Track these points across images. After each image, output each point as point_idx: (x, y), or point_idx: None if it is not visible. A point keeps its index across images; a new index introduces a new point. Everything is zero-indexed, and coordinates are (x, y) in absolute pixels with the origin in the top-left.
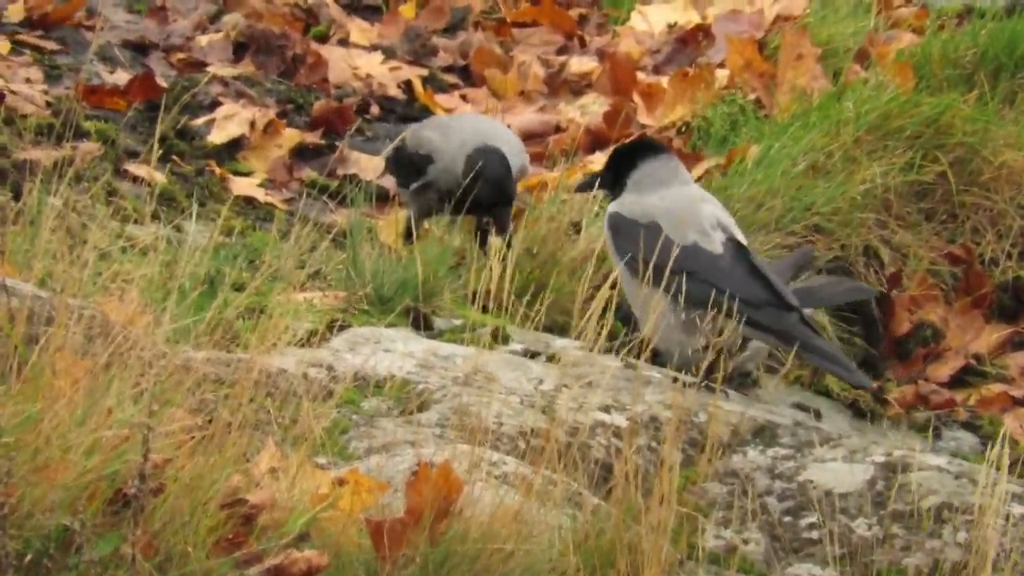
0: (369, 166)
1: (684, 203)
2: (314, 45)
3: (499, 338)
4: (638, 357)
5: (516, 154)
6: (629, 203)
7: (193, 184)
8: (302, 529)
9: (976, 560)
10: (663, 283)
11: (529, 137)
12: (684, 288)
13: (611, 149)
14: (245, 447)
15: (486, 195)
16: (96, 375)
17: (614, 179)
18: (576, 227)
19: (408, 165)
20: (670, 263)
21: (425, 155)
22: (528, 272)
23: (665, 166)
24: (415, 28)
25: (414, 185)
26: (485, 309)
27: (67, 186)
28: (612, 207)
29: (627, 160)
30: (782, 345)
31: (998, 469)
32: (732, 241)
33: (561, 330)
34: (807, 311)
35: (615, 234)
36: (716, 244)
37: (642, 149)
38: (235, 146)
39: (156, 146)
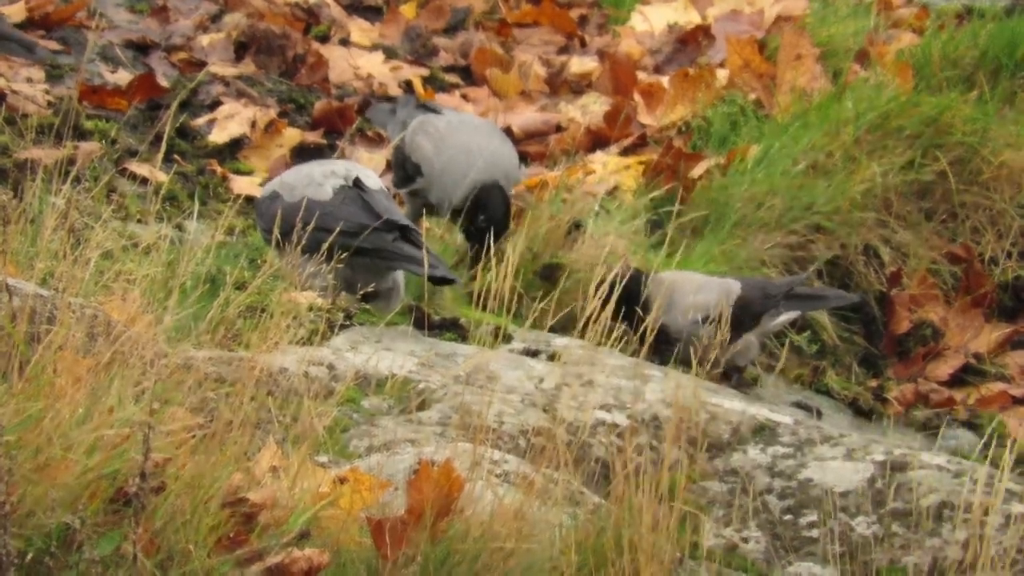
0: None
1: (303, 168)
2: (315, 45)
3: (500, 337)
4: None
5: (512, 172)
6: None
7: (194, 183)
8: (303, 527)
9: (975, 558)
10: (292, 242)
11: (530, 136)
12: (304, 241)
13: None
14: (246, 446)
15: (482, 226)
16: (98, 374)
17: None
18: (577, 226)
19: (401, 167)
20: (299, 225)
21: (415, 164)
22: (531, 272)
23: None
24: (416, 28)
25: (403, 189)
26: (493, 308)
27: (69, 186)
28: None
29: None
30: (384, 262)
31: (997, 467)
32: (347, 185)
33: (562, 329)
34: None
35: (258, 216)
36: (327, 191)
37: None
38: (236, 145)
39: (160, 146)
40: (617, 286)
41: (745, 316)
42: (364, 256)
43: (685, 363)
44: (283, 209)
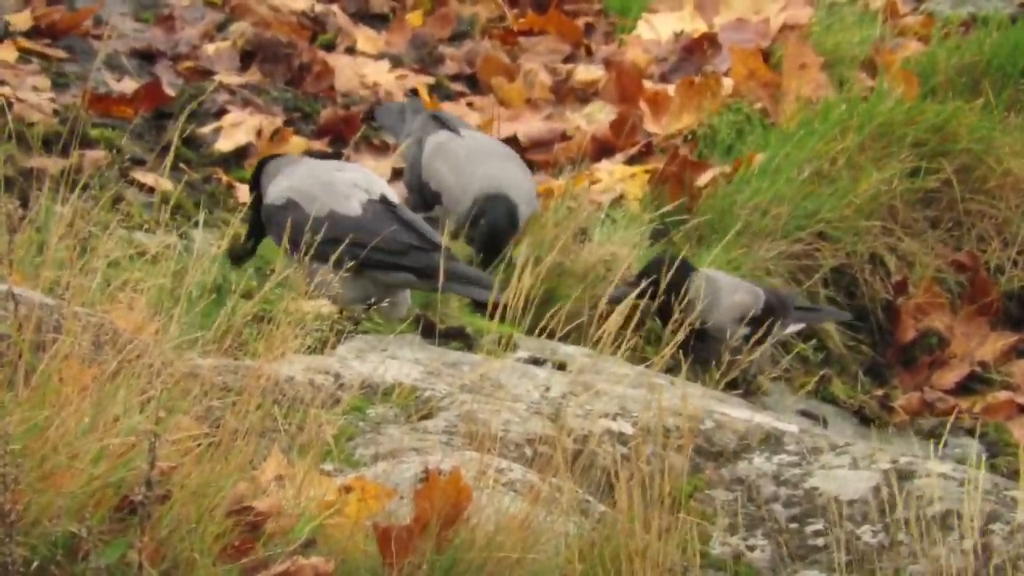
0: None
1: (318, 175)
2: (321, 53)
3: (506, 346)
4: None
5: (526, 201)
6: (273, 192)
7: (200, 192)
8: (308, 536)
9: (981, 568)
10: (309, 256)
11: (535, 145)
12: (334, 259)
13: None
14: (252, 454)
15: (481, 242)
16: (103, 383)
17: (256, 188)
18: (583, 234)
19: (418, 191)
20: (319, 237)
21: (434, 192)
22: (537, 280)
23: (287, 158)
24: (422, 36)
25: (422, 216)
26: (500, 318)
27: (75, 194)
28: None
29: (257, 171)
30: (427, 282)
31: (1003, 476)
32: (375, 200)
33: (568, 337)
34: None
35: (268, 224)
36: (354, 206)
37: (264, 159)
38: (242, 154)
39: (167, 154)
40: (665, 275)
41: (770, 321)
42: (401, 273)
43: (714, 364)
44: (302, 220)
